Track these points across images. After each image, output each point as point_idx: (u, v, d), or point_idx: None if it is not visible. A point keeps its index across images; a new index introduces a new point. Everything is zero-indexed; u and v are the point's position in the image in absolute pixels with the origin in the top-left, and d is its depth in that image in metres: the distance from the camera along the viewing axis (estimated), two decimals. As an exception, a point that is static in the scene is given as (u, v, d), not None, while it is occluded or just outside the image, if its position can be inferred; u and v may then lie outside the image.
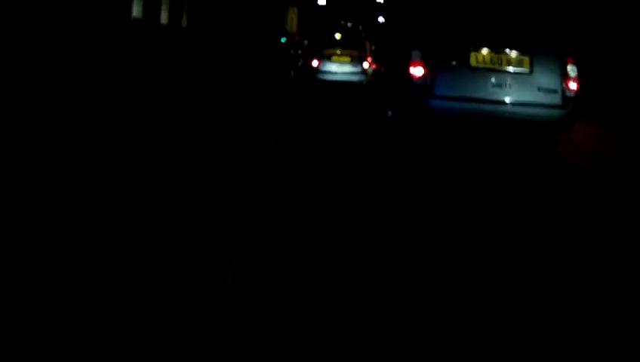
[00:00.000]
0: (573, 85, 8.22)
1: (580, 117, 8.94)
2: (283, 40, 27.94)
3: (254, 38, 27.25)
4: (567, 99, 8.22)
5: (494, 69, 8.14)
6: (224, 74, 23.70)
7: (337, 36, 23.76)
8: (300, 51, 31.71)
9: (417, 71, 8.21)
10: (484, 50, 8.18)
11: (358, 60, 21.83)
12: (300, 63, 28.82)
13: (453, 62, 8.19)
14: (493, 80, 8.10)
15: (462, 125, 8.38)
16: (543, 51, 8.31)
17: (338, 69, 21.73)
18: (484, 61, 8.15)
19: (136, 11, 14.60)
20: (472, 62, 8.13)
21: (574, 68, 8.27)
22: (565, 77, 8.24)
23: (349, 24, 46.16)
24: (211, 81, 19.27)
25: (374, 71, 24.33)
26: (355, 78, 21.64)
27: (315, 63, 21.63)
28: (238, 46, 26.90)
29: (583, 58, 9.74)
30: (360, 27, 41.71)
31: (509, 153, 8.94)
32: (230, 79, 21.33)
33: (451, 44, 8.33)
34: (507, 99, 8.10)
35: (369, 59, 22.82)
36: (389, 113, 9.64)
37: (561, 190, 6.80)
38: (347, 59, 21.77)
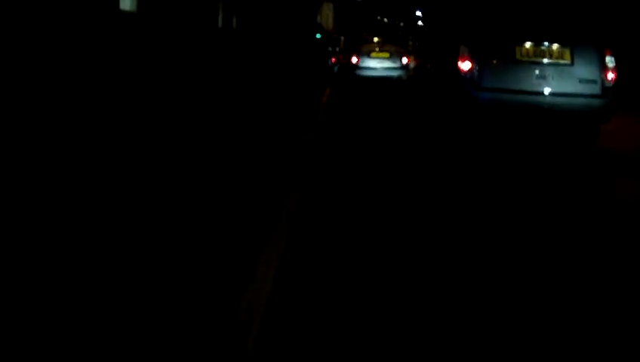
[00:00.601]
0: (611, 76, 8.76)
1: (619, 108, 9.44)
2: (318, 36, 28.07)
3: (291, 36, 27.59)
4: (606, 89, 8.75)
5: (537, 61, 8.71)
6: (267, 69, 24.68)
7: (375, 33, 24.47)
8: (337, 48, 31.84)
9: (465, 65, 8.81)
10: (528, 44, 8.74)
11: (397, 56, 22.37)
12: (335, 61, 28.83)
13: (499, 56, 8.77)
14: (536, 72, 8.67)
15: (507, 115, 8.94)
16: (583, 43, 8.85)
17: (377, 64, 22.28)
18: (527, 54, 8.72)
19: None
20: (517, 55, 8.70)
21: (612, 59, 8.80)
22: (604, 68, 8.78)
23: (386, 20, 46.37)
24: (256, 74, 20.95)
25: (415, 66, 24.85)
26: (394, 74, 22.17)
27: (354, 60, 22.22)
28: (278, 44, 27.45)
29: (621, 50, 10.23)
30: (398, 23, 41.87)
31: (552, 142, 9.46)
32: (271, 74, 22.28)
33: (497, 39, 8.91)
34: (550, 90, 8.66)
35: (408, 55, 23.37)
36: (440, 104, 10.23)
37: (601, 177, 7.33)
38: (386, 55, 22.31)
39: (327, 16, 46.12)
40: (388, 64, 22.13)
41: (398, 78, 22.00)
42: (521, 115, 8.90)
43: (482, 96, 8.74)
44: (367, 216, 4.82)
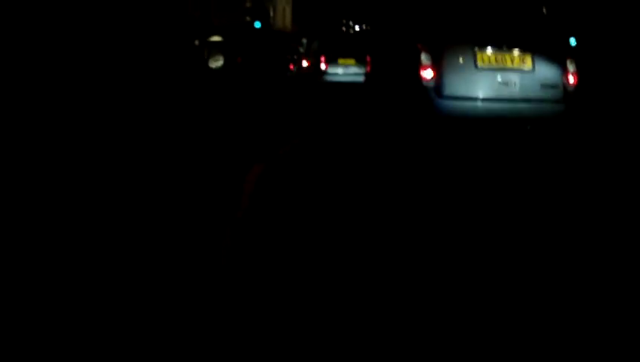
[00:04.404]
0: (572, 80, 8.80)
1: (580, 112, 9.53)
2: (257, 25, 26.20)
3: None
4: (567, 93, 8.79)
5: (499, 67, 8.72)
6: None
7: (344, 39, 24.57)
8: (300, 50, 29.82)
9: (427, 74, 8.79)
10: (489, 50, 8.75)
11: (363, 63, 22.54)
12: (292, 68, 26.77)
13: (460, 64, 8.77)
14: (498, 78, 8.68)
15: (470, 122, 8.95)
16: (544, 48, 8.89)
17: (344, 70, 22.62)
18: (489, 61, 8.73)
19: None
20: (479, 62, 8.71)
21: (573, 63, 8.85)
22: (565, 72, 8.82)
23: (351, 23, 45.91)
24: None
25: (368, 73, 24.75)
26: (360, 79, 22.33)
27: (323, 66, 22.54)
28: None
29: (581, 55, 10.30)
30: (363, 26, 41.48)
31: (515, 146, 9.51)
32: None
33: (457, 46, 8.91)
34: (512, 96, 8.67)
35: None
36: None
37: (565, 180, 7.37)
38: (352, 61, 22.62)
39: (283, 10, 41.81)
40: (354, 70, 22.36)
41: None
42: (484, 122, 8.91)
43: (445, 104, 8.73)
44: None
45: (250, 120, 12.34)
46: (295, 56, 28.18)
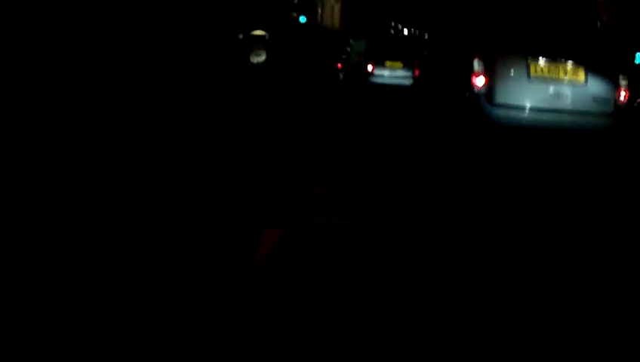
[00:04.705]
0: (623, 94, 8.84)
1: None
2: (302, 20, 25.58)
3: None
4: (618, 107, 8.83)
5: (552, 78, 8.79)
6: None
7: (393, 42, 24.59)
8: (348, 50, 29.42)
9: (479, 81, 8.89)
10: (542, 61, 8.82)
11: (410, 66, 22.56)
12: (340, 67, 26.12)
13: (513, 73, 8.85)
14: (550, 89, 8.75)
15: (520, 132, 9.02)
16: (597, 62, 8.94)
17: (391, 73, 22.62)
18: (542, 71, 8.80)
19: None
20: (532, 72, 8.79)
21: (626, 79, 8.89)
22: (617, 86, 8.86)
23: (400, 26, 45.53)
24: None
25: (417, 77, 24.74)
26: (407, 83, 22.33)
27: (369, 68, 22.53)
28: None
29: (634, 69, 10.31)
30: (412, 30, 40.97)
31: (563, 157, 9.54)
32: None
33: (511, 55, 8.99)
34: (563, 108, 8.74)
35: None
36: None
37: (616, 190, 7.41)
38: (399, 64, 22.63)
39: (331, 8, 39.92)
40: (401, 73, 22.37)
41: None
42: (535, 132, 8.97)
43: (496, 112, 8.82)
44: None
45: (285, 134, 9.71)
46: (343, 56, 27.89)
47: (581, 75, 8.81)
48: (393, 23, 48.34)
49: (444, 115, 10.26)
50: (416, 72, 22.34)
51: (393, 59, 22.88)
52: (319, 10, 36.73)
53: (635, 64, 14.76)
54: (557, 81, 8.79)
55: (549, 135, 8.98)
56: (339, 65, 27.02)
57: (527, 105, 8.74)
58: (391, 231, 4.66)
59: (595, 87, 8.84)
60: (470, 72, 9.04)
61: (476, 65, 8.97)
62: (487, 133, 9.13)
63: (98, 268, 3.57)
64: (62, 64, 7.31)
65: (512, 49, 9.06)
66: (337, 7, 41.08)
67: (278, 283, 3.60)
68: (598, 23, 9.33)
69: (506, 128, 8.95)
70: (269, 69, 22.03)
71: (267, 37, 23.40)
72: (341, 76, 26.54)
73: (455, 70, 10.10)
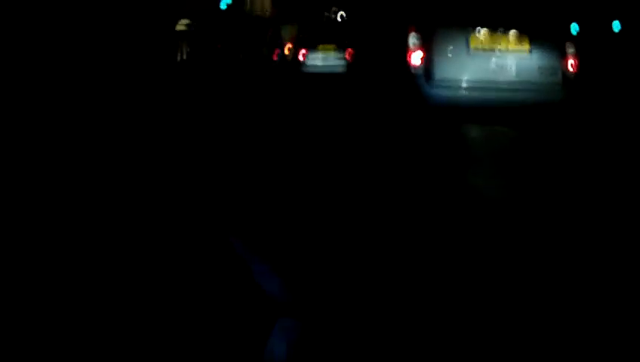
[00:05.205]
0: (572, 63, 8.16)
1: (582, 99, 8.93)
2: (223, 6, 23.92)
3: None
4: (567, 78, 8.15)
5: (493, 50, 8.06)
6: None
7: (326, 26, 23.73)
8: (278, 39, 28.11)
9: (415, 57, 8.11)
10: (482, 32, 8.09)
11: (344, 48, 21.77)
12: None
13: (451, 47, 8.10)
14: (493, 61, 8.02)
15: (461, 109, 8.31)
16: (541, 30, 8.24)
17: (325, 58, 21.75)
18: (482, 43, 8.07)
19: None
20: (472, 44, 8.04)
21: (573, 47, 8.21)
22: (564, 55, 8.18)
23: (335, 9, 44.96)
24: None
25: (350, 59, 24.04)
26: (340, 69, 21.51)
27: (301, 56, 21.59)
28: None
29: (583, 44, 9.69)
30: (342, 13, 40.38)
31: (510, 136, 8.91)
32: None
33: (448, 27, 8.24)
34: (507, 80, 8.02)
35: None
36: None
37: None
38: (332, 47, 21.78)
39: None
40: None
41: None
42: (478, 107, 8.28)
43: (435, 91, 8.06)
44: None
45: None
46: (278, 43, 27.04)
47: (525, 45, 8.11)
48: (327, 6, 47.66)
49: (378, 100, 9.54)
50: (349, 55, 21.62)
51: (326, 42, 21.95)
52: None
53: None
54: (500, 52, 8.06)
55: (494, 113, 8.28)
56: (274, 56, 26.05)
57: (469, 81, 7.99)
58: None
59: (541, 56, 8.13)
60: (405, 49, 8.27)
61: (412, 40, 8.19)
62: (427, 116, 8.37)
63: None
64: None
65: (450, 20, 8.29)
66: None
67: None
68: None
69: (447, 109, 8.20)
70: (190, 68, 20.51)
71: (192, 26, 22.16)
72: (274, 65, 25.63)
73: (388, 48, 9.32)
